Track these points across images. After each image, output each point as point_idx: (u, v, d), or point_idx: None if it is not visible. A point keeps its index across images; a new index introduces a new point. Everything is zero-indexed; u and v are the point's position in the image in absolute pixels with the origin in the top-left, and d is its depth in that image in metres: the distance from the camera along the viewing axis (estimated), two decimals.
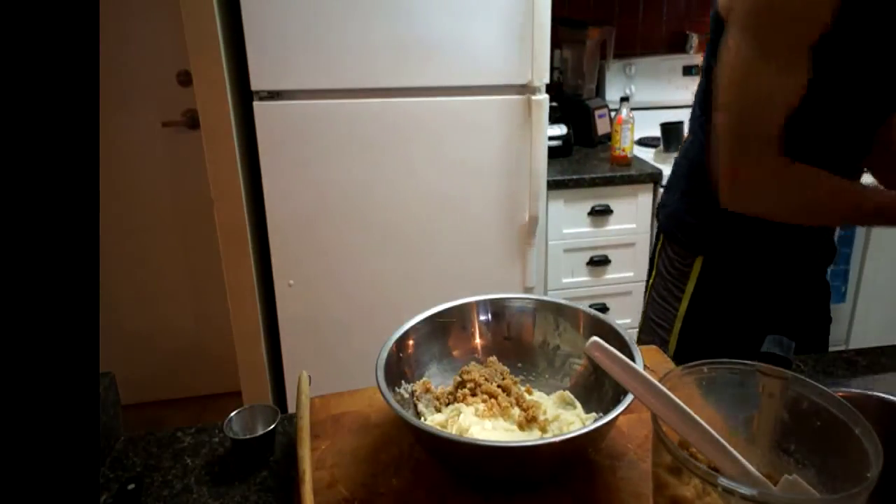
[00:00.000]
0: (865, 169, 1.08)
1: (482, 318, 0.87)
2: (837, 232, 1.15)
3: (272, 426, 0.82)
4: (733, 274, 1.06)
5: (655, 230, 1.21)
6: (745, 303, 1.07)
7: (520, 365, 0.85)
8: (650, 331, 1.18)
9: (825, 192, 0.89)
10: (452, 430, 0.72)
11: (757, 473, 0.54)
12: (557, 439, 0.65)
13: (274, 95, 1.83)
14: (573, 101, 2.51)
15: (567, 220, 2.17)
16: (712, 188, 0.92)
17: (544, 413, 0.76)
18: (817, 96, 0.86)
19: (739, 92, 0.86)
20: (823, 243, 1.11)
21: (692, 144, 1.08)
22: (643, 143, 2.47)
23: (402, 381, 0.79)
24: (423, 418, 0.76)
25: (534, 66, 1.81)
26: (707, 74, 0.99)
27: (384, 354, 0.76)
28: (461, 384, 0.78)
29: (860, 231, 2.26)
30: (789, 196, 0.90)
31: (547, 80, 1.85)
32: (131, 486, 0.76)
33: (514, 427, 0.74)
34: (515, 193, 1.93)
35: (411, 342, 0.82)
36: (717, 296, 1.08)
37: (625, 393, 0.63)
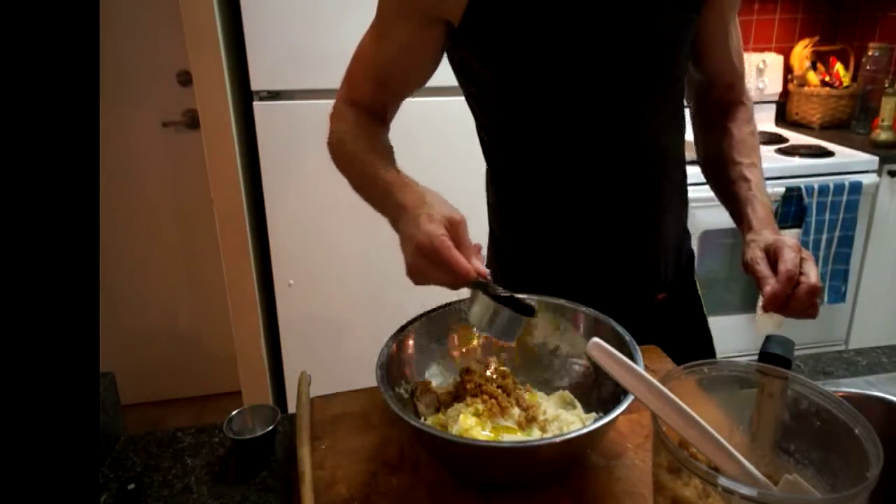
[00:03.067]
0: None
1: None
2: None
3: (272, 426, 0.82)
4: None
5: None
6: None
7: (520, 365, 0.85)
8: None
9: (358, 169, 0.87)
10: (452, 430, 0.72)
11: (757, 473, 0.54)
12: (557, 439, 0.65)
13: (274, 95, 1.83)
14: None
15: None
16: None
17: (544, 413, 0.76)
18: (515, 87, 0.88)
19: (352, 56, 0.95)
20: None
21: None
22: None
23: (402, 381, 0.79)
24: (423, 418, 0.76)
25: None
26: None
27: (384, 354, 0.76)
28: (461, 384, 0.78)
29: (860, 231, 2.26)
30: (340, 161, 0.91)
31: None
32: (131, 486, 0.76)
33: (514, 427, 0.74)
34: None
35: (411, 342, 0.82)
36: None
37: (625, 393, 0.63)
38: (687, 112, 1.04)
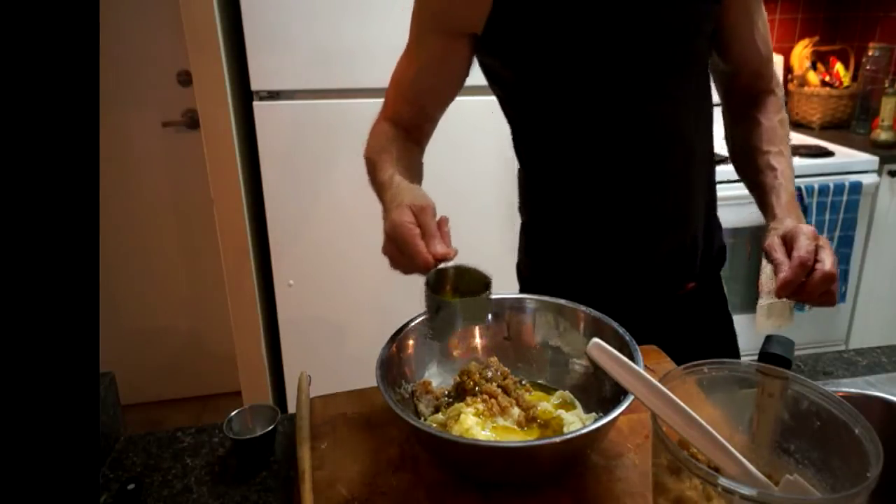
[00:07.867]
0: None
1: None
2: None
3: (272, 426, 0.82)
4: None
5: None
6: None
7: (520, 365, 0.85)
8: None
9: (373, 176, 0.90)
10: (452, 430, 0.72)
11: (758, 473, 0.54)
12: (557, 439, 0.65)
13: (274, 95, 1.83)
14: None
15: None
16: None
17: (544, 413, 0.76)
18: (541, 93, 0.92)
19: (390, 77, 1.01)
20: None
21: None
22: None
23: (402, 381, 0.79)
24: (423, 418, 0.76)
25: None
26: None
27: (384, 354, 0.76)
28: (461, 384, 0.78)
29: (860, 231, 2.26)
30: (368, 164, 0.94)
31: None
32: (131, 486, 0.76)
33: (514, 427, 0.74)
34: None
35: (411, 342, 0.82)
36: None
37: (625, 393, 0.63)
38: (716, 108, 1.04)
